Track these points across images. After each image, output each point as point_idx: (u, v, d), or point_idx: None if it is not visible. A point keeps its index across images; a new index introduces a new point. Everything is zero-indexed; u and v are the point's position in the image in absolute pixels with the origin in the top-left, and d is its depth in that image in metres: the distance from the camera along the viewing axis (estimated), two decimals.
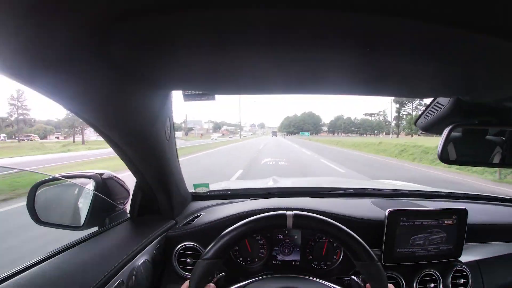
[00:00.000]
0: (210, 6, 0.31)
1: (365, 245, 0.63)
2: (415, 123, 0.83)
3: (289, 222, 0.63)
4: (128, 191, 0.91)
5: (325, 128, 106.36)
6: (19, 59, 0.38)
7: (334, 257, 0.90)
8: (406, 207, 0.89)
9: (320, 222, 0.64)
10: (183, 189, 1.03)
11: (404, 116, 53.45)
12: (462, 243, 0.92)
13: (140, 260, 0.74)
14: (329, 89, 0.64)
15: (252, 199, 1.11)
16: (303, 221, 0.64)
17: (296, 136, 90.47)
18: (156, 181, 0.83)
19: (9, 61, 0.38)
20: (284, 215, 0.64)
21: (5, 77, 0.40)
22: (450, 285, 0.88)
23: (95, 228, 0.84)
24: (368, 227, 0.90)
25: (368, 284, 0.65)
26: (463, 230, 0.91)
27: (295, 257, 0.90)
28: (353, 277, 0.72)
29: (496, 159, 0.75)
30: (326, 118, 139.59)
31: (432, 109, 0.74)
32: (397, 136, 47.41)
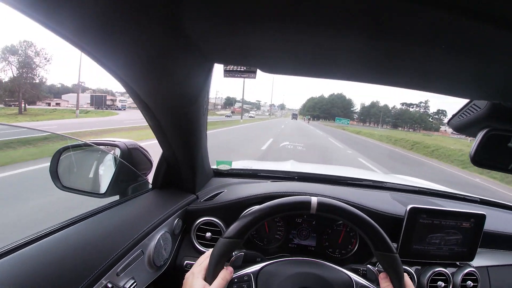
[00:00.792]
0: None
1: (385, 236, 0.63)
2: (448, 122, 0.83)
3: (313, 207, 0.64)
4: (151, 162, 0.91)
5: (355, 116, 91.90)
6: (79, 21, 0.37)
7: (349, 246, 0.91)
8: (426, 205, 0.89)
9: (343, 210, 0.65)
10: (207, 164, 1.04)
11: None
12: (476, 247, 0.92)
13: (160, 232, 0.75)
14: (374, 78, 0.63)
15: (272, 181, 1.11)
16: (327, 207, 0.64)
17: (325, 122, 73.12)
18: (183, 154, 0.83)
19: (70, 23, 0.38)
20: (309, 200, 0.64)
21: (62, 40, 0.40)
22: (459, 286, 0.89)
23: (117, 197, 0.85)
24: (387, 220, 0.90)
25: (382, 273, 0.66)
26: (479, 235, 0.92)
27: (311, 242, 0.91)
28: (369, 266, 0.73)
29: None
30: (357, 103, 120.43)
31: (468, 110, 0.73)
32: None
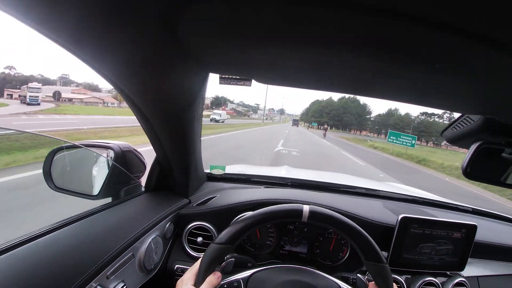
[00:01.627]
0: (269, 3, 0.32)
1: (376, 246, 0.64)
2: (441, 134, 0.83)
3: (305, 216, 0.64)
4: (145, 165, 0.91)
5: (368, 124, 78.18)
6: (71, 27, 0.38)
7: (340, 254, 0.91)
8: (418, 215, 0.90)
9: (334, 219, 0.65)
10: (200, 169, 1.04)
11: None
12: (467, 257, 0.93)
13: (152, 235, 0.75)
14: (367, 92, 0.64)
15: (266, 187, 1.11)
16: (318, 216, 0.65)
17: (340, 133, 56.10)
18: (177, 158, 0.83)
19: (62, 28, 0.38)
20: (301, 208, 0.64)
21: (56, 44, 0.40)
22: None
23: (109, 199, 0.85)
24: (378, 229, 0.91)
25: (371, 283, 0.67)
26: (469, 245, 0.92)
27: (302, 249, 0.92)
28: (359, 275, 0.73)
29: (510, 180, 0.75)
30: (373, 109, 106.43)
31: (461, 122, 0.74)
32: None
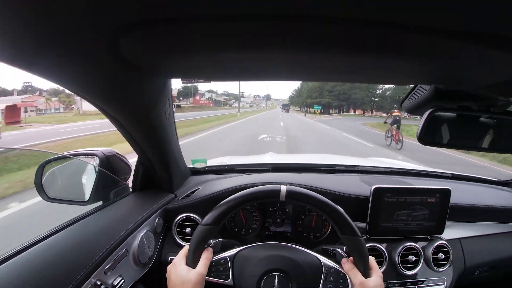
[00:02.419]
0: (211, 20, 0.35)
1: (350, 220, 0.68)
2: (400, 105, 0.88)
3: (282, 195, 0.68)
4: (130, 167, 0.96)
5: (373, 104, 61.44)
6: (24, 45, 0.39)
7: (323, 229, 0.97)
8: (391, 184, 0.95)
9: (310, 197, 0.69)
10: (182, 164, 1.08)
11: None
12: (444, 220, 0.98)
13: (142, 231, 0.80)
14: (328, 77, 0.69)
15: (247, 174, 1.16)
16: (295, 195, 0.69)
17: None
18: (157, 157, 0.88)
19: (16, 48, 0.40)
20: (278, 188, 0.69)
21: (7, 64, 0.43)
22: (431, 259, 0.94)
23: (100, 203, 0.90)
24: (355, 202, 0.96)
25: (344, 259, 0.72)
26: (445, 209, 0.97)
27: (286, 228, 0.97)
28: (337, 249, 0.79)
29: (486, 144, 0.79)
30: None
31: (415, 93, 0.79)
32: None
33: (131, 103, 0.65)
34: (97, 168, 0.89)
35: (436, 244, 0.96)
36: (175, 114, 0.92)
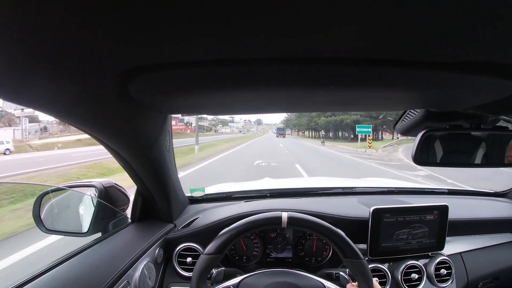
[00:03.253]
0: (209, 64, 0.38)
1: (352, 244, 0.68)
2: (393, 127, 0.90)
3: (284, 222, 0.69)
4: (128, 198, 0.96)
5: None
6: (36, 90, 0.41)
7: (324, 252, 0.96)
8: (390, 205, 0.95)
9: (311, 222, 0.70)
10: (180, 194, 1.08)
11: None
12: (444, 236, 0.98)
13: (143, 262, 0.79)
14: (323, 108, 0.72)
15: (245, 201, 1.16)
16: (296, 221, 0.70)
17: None
18: (156, 188, 0.88)
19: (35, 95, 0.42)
20: (280, 215, 0.69)
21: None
22: (433, 275, 0.94)
23: (99, 234, 0.89)
24: (354, 224, 0.96)
25: (349, 284, 0.72)
26: (444, 225, 0.98)
27: (287, 254, 0.97)
28: (341, 272, 0.79)
29: (479, 160, 0.79)
30: None
31: (407, 115, 0.81)
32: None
33: (134, 138, 0.66)
34: (95, 200, 0.88)
35: (438, 260, 0.96)
36: None
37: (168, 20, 0.27)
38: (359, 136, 22.82)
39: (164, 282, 0.91)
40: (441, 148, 0.79)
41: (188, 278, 0.89)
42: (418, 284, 0.93)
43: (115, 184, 0.92)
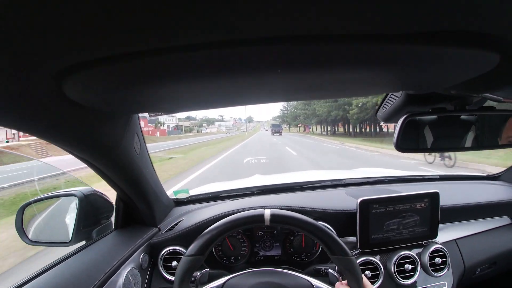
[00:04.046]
0: (163, 53, 0.34)
1: (338, 240, 0.66)
2: (375, 114, 0.87)
3: (267, 219, 0.67)
4: (112, 204, 0.94)
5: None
6: None
7: (314, 248, 0.94)
8: (378, 195, 0.93)
9: (294, 219, 0.67)
10: (164, 197, 1.06)
11: None
12: (437, 224, 0.96)
13: (127, 268, 0.78)
14: (292, 97, 0.67)
15: (232, 200, 1.14)
16: (279, 218, 0.68)
17: None
18: (133, 192, 0.86)
19: None
20: (262, 213, 0.67)
21: None
22: (428, 265, 0.92)
23: (83, 242, 0.88)
24: (342, 217, 0.94)
25: (338, 283, 0.69)
26: (436, 212, 0.95)
27: (276, 251, 0.95)
28: (330, 269, 0.77)
29: (469, 143, 0.78)
30: None
31: (388, 101, 0.78)
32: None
33: (91, 143, 0.63)
34: (77, 208, 0.87)
35: (432, 249, 0.94)
36: None
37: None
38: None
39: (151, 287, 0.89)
40: (430, 132, 0.76)
41: None
42: (413, 275, 0.91)
43: (95, 191, 0.90)
